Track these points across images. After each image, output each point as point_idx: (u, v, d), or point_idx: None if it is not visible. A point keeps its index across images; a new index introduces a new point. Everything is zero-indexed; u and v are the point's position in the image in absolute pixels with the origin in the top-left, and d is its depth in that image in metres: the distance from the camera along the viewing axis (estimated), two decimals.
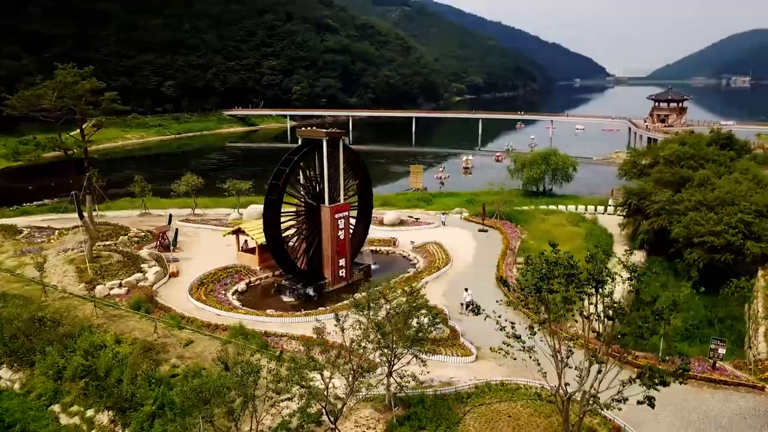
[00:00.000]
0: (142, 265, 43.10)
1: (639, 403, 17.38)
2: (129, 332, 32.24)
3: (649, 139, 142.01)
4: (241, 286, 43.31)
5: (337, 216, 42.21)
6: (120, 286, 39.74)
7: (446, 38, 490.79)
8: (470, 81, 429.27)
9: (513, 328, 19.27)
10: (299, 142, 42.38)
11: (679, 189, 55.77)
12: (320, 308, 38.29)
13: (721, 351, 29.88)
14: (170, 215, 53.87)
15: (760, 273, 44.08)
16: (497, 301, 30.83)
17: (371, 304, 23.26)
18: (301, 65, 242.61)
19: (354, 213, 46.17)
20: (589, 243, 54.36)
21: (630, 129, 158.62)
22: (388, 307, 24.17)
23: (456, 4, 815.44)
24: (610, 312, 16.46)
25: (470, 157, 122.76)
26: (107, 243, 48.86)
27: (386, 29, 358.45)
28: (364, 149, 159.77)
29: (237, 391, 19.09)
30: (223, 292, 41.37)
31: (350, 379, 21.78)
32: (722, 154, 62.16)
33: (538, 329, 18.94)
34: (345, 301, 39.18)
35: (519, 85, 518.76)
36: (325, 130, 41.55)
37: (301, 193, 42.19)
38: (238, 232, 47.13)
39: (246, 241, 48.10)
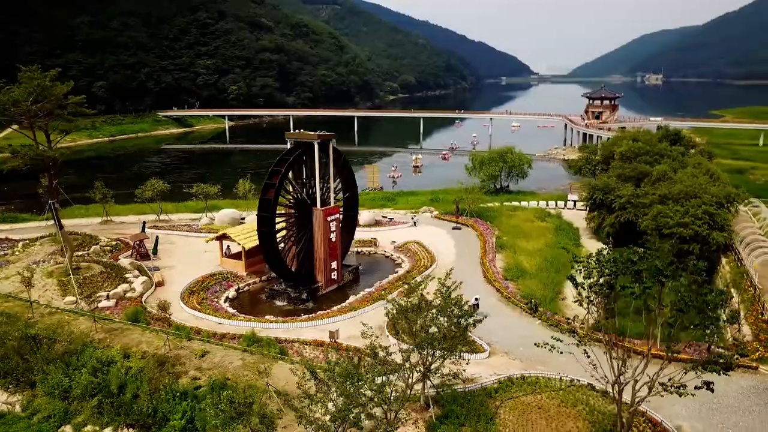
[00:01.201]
0: (126, 276, 41.48)
1: (697, 388, 18.58)
2: (135, 346, 31.08)
3: (585, 134, 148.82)
4: (231, 293, 42.47)
5: (329, 219, 42.11)
6: (107, 298, 38.17)
7: (377, 37, 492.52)
8: (403, 80, 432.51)
9: (569, 323, 20.09)
10: (288, 145, 41.93)
11: (639, 183, 58.92)
12: (320, 312, 38.08)
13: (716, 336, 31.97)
14: (144, 222, 51.96)
15: (724, 260, 47.41)
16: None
17: (422, 305, 23.62)
18: (236, 64, 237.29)
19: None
20: (561, 237, 56.65)
21: (566, 125, 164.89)
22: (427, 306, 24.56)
23: (384, 3, 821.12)
24: (682, 304, 17.54)
25: (419, 156, 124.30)
26: (79, 253, 46.60)
27: (320, 28, 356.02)
28: None
29: (343, 398, 18.78)
30: (215, 299, 40.45)
31: (410, 380, 22.04)
32: (674, 150, 66.08)
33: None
34: (343, 304, 39.31)
35: (450, 84, 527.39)
36: (316, 133, 41.34)
37: (292, 196, 41.78)
38: (222, 237, 46.08)
39: (228, 246, 47.14)
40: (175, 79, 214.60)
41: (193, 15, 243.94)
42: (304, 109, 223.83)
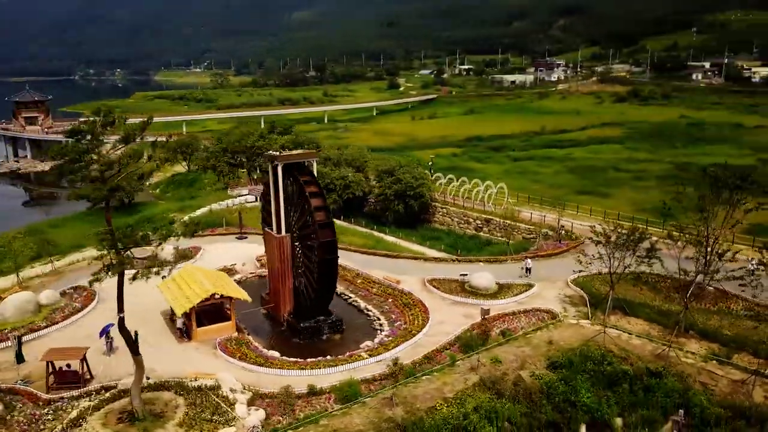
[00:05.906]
0: (207, 384, 28.40)
1: None
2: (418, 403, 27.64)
3: (20, 139, 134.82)
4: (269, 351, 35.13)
5: None
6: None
7: None
8: None
9: None
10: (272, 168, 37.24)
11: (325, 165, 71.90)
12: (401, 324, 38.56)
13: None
14: (19, 337, 30.13)
15: (438, 206, 68.50)
16: None
17: None
18: None
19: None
20: None
21: None
22: None
23: None
24: None
25: None
26: None
27: None
28: None
29: None
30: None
31: None
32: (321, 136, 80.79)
33: None
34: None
35: None
36: (313, 151, 38.55)
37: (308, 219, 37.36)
38: (204, 301, 34.40)
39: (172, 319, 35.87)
40: None
41: None
42: None
